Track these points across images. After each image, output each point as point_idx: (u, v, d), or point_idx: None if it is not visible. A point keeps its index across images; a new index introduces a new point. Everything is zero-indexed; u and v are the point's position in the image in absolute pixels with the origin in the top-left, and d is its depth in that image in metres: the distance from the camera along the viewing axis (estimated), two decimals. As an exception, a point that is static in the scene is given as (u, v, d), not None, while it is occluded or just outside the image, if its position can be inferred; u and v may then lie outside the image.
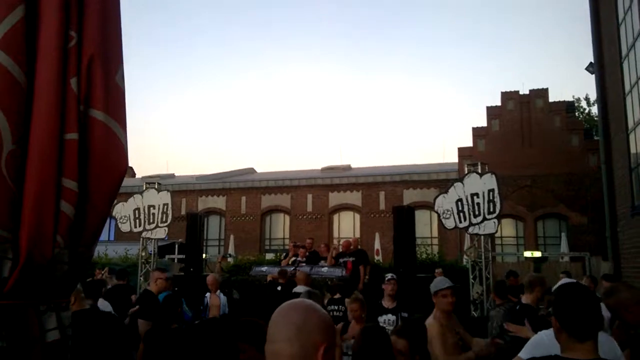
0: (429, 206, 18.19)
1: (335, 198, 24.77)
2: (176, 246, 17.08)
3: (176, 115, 67.46)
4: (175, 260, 16.40)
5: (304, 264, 11.04)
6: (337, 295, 7.32)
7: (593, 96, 27.61)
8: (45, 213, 1.55)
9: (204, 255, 14.80)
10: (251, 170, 31.07)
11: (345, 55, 64.68)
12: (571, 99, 27.36)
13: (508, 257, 19.51)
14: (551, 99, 21.54)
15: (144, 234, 13.60)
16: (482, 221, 11.04)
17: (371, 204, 23.96)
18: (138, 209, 13.56)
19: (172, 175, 30.24)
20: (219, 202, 26.66)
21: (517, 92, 22.03)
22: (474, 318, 10.68)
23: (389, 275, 6.78)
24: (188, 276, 12.24)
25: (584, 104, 30.01)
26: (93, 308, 5.10)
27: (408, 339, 3.25)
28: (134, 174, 31.81)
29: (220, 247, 25.55)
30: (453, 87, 61.57)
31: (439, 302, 4.38)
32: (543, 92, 21.65)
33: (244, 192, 26.32)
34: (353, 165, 28.40)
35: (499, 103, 22.17)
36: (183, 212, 24.36)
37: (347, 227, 24.57)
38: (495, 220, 11.04)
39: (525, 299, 5.22)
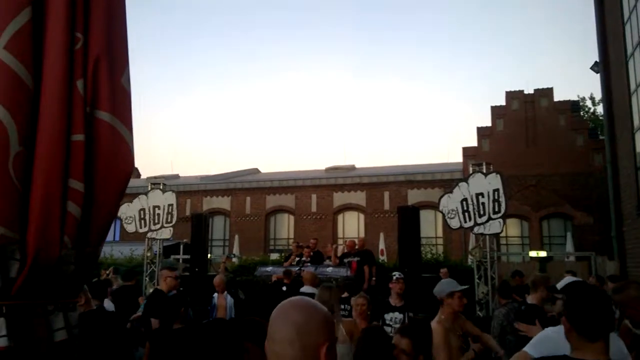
0: (434, 206, 18.16)
1: (339, 198, 24.75)
2: (181, 246, 17.11)
3: (181, 116, 67.62)
4: (181, 261, 16.42)
5: (308, 264, 11.04)
6: (345, 294, 7.31)
7: (598, 95, 27.53)
8: (52, 214, 1.56)
9: (209, 256, 14.83)
10: (255, 171, 31.09)
11: (349, 55, 64.70)
12: (576, 99, 27.27)
13: (513, 257, 19.44)
14: (556, 98, 21.45)
15: (149, 235, 13.64)
16: (487, 221, 11.02)
17: (375, 204, 23.92)
18: (143, 209, 13.60)
19: (176, 176, 30.29)
20: (224, 203, 26.69)
21: (522, 91, 21.95)
22: (479, 318, 10.65)
23: (396, 274, 6.74)
24: (193, 276, 12.27)
25: (589, 103, 29.89)
26: (100, 308, 5.13)
27: (411, 338, 3.23)
28: (138, 175, 31.87)
29: (225, 248, 25.57)
30: (457, 87, 61.49)
31: (452, 303, 4.30)
32: (548, 92, 21.56)
33: (249, 192, 26.33)
34: (357, 165, 28.37)
35: (503, 102, 22.09)
36: (188, 212, 24.38)
37: (351, 227, 24.54)
38: (501, 220, 11.01)
39: (530, 298, 5.22)
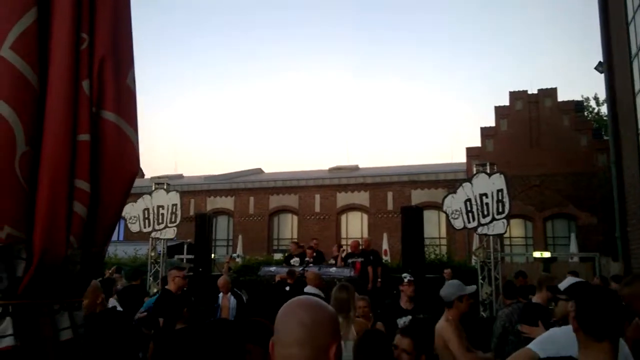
0: (437, 206, 18.13)
1: (343, 198, 24.74)
2: (185, 246, 17.15)
3: (184, 116, 67.72)
4: (184, 260, 16.45)
5: (312, 265, 11.04)
6: None
7: (602, 96, 27.37)
8: (58, 214, 1.57)
9: (212, 256, 14.86)
10: (259, 171, 31.11)
11: (352, 55, 64.68)
12: (580, 99, 27.17)
13: (517, 258, 19.41)
14: (560, 98, 21.41)
15: (153, 234, 13.68)
16: (490, 221, 11.01)
17: (379, 204, 23.91)
18: (147, 209, 13.65)
19: (180, 176, 30.34)
20: (227, 203, 26.72)
21: (526, 91, 21.92)
22: (483, 319, 10.64)
23: (407, 276, 6.60)
24: (197, 276, 12.29)
25: (592, 103, 29.77)
26: (113, 308, 5.14)
27: (412, 338, 3.22)
28: (142, 175, 31.92)
29: (228, 248, 25.60)
30: (461, 87, 61.36)
31: (462, 306, 4.28)
32: (552, 92, 21.51)
33: (252, 192, 26.36)
34: (361, 166, 28.35)
35: (507, 103, 22.06)
36: (192, 212, 24.41)
37: (355, 227, 24.54)
38: (504, 221, 11.00)
39: (535, 298, 5.21)
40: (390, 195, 23.79)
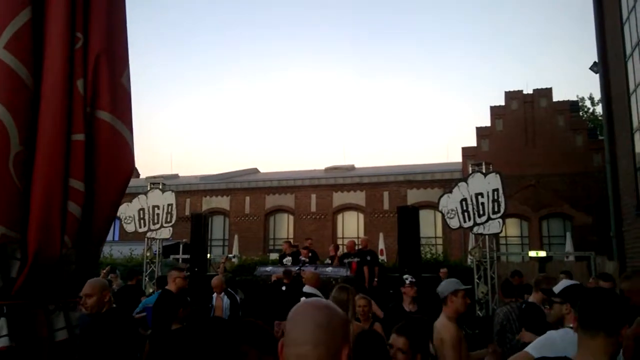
0: (433, 206, 18.16)
1: (339, 198, 24.74)
2: (181, 246, 17.11)
3: (180, 115, 67.60)
4: (180, 260, 16.42)
5: (307, 264, 11.03)
6: None
7: (597, 95, 27.54)
8: (52, 213, 1.56)
9: (208, 256, 14.84)
10: (255, 171, 31.08)
11: (349, 55, 64.70)
12: (575, 99, 27.29)
13: (513, 257, 19.45)
14: (555, 98, 21.46)
15: (148, 234, 13.66)
16: (486, 221, 11.04)
17: (375, 203, 23.92)
18: (142, 209, 13.62)
19: (176, 176, 30.28)
20: (223, 202, 26.68)
21: (521, 91, 21.96)
22: (479, 317, 10.67)
23: (408, 277, 6.54)
24: (193, 276, 12.26)
25: (588, 103, 29.89)
26: (118, 308, 5.12)
27: (407, 337, 3.20)
28: (138, 175, 31.85)
29: (224, 247, 25.55)
30: (456, 87, 61.49)
31: (457, 302, 4.26)
32: (547, 92, 21.57)
33: (248, 192, 26.33)
34: (357, 165, 28.36)
35: (502, 103, 22.10)
36: (187, 212, 24.38)
37: (351, 227, 24.54)
38: (500, 220, 11.03)
39: (531, 298, 5.23)
40: (386, 194, 23.80)
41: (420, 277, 10.43)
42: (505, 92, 22.18)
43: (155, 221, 13.54)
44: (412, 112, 61.20)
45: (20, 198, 1.53)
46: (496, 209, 10.98)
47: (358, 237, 19.03)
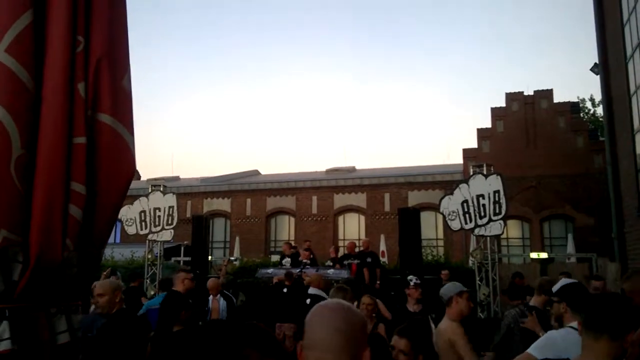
0: (434, 208, 18.12)
1: (340, 200, 24.73)
2: (182, 248, 17.10)
3: (181, 117, 67.61)
4: (181, 263, 16.41)
5: (308, 266, 11.03)
6: None
7: (598, 97, 27.46)
8: (54, 216, 1.57)
9: (209, 258, 14.84)
10: (256, 172, 31.05)
11: (349, 58, 64.67)
12: (576, 100, 27.23)
13: (514, 259, 19.38)
14: (556, 99, 21.46)
15: (150, 237, 13.66)
16: (487, 222, 11.02)
17: (376, 205, 23.90)
18: (144, 211, 13.63)
19: (177, 178, 30.26)
20: (224, 205, 26.67)
21: (522, 93, 21.96)
22: (481, 320, 10.65)
23: (413, 279, 6.50)
24: (194, 278, 12.24)
25: (588, 104, 29.82)
26: (126, 308, 5.13)
27: (409, 339, 3.20)
28: (139, 177, 31.85)
29: (225, 250, 25.53)
30: (457, 88, 61.42)
31: (462, 303, 4.25)
32: (548, 93, 21.58)
33: (249, 194, 26.32)
34: (357, 167, 28.32)
35: (503, 104, 22.09)
36: (188, 214, 24.35)
37: (352, 228, 24.52)
38: (501, 222, 11.02)
39: (533, 301, 5.22)
40: (387, 196, 23.79)
41: (422, 279, 10.44)
42: (506, 94, 22.18)
43: (157, 223, 13.55)
44: (413, 113, 61.20)
45: (21, 201, 1.53)
46: (497, 211, 10.97)
47: (359, 239, 19.00)
